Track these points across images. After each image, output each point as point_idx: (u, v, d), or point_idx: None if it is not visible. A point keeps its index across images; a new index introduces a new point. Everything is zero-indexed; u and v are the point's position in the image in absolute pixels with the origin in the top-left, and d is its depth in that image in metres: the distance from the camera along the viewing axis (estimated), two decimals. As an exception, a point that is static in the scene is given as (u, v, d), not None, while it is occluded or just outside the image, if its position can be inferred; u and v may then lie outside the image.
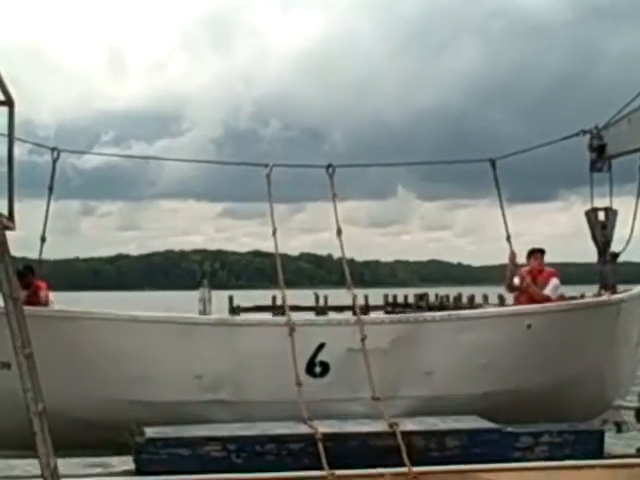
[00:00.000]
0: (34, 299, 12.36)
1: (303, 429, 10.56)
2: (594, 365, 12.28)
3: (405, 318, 12.96)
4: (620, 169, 13.01)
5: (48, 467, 7.11)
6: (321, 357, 11.61)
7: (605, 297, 12.78)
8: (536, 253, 13.66)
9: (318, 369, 11.62)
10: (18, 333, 7.27)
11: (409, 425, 10.77)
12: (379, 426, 10.64)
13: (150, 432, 10.47)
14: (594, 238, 12.93)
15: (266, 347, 11.54)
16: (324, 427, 10.46)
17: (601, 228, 12.85)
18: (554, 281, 13.46)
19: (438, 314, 12.86)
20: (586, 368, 12.16)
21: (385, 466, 9.74)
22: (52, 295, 13.26)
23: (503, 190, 13.61)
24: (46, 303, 12.81)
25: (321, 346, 11.62)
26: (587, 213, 12.96)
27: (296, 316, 12.08)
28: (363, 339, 11.44)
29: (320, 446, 9.92)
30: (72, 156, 13.85)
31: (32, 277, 12.56)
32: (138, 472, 10.18)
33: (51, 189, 12.56)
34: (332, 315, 12.94)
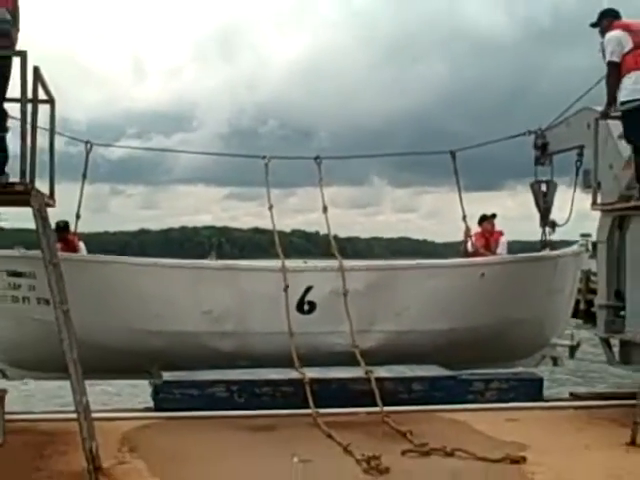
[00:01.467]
0: (69, 249, 12.45)
1: (294, 375, 10.55)
2: (536, 309, 12.36)
3: (379, 266, 13.03)
4: (559, 164, 13.07)
5: (81, 403, 7.13)
6: (309, 297, 11.65)
7: (546, 253, 12.94)
8: (490, 218, 13.99)
9: (306, 307, 11.64)
10: (57, 292, 7.27)
11: (381, 372, 10.75)
12: (357, 372, 10.63)
13: (166, 376, 10.52)
14: (537, 205, 13.07)
15: (264, 288, 11.59)
16: (311, 373, 10.44)
17: (543, 197, 12.98)
18: (503, 240, 13.88)
19: (407, 262, 12.97)
20: (529, 311, 12.24)
21: (361, 406, 9.79)
22: (83, 245, 13.33)
23: (461, 180, 13.68)
24: (78, 251, 12.90)
25: (309, 288, 11.64)
26: (532, 185, 13.11)
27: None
28: (344, 283, 11.54)
29: (307, 389, 9.95)
30: (101, 147, 13.74)
31: (67, 232, 12.66)
32: (156, 409, 10.24)
33: (85, 175, 12.58)
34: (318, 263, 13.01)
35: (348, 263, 12.18)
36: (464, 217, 13.67)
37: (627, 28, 9.87)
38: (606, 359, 11.42)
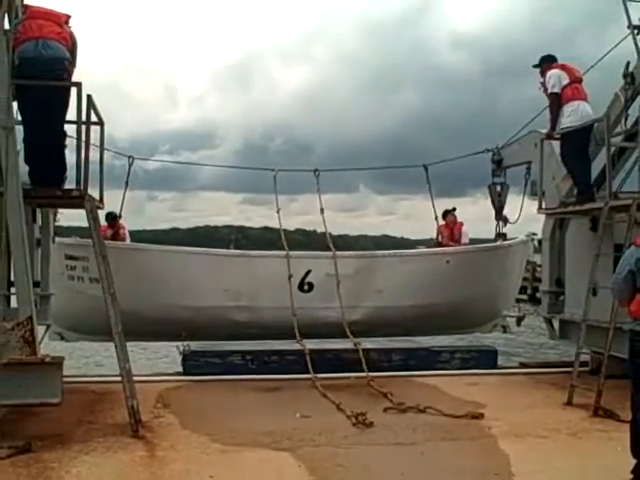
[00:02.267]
0: (117, 236, 12.50)
1: (296, 346, 10.57)
2: (490, 288, 12.42)
3: (364, 254, 13.06)
4: (511, 176, 13.10)
5: (124, 369, 7.14)
6: (308, 279, 11.68)
7: (499, 243, 12.98)
8: (452, 211, 13.92)
9: (306, 287, 11.67)
10: (105, 278, 7.27)
11: (367, 344, 10.77)
12: (347, 344, 10.63)
13: (193, 346, 10.59)
14: (493, 203, 13.11)
15: (272, 271, 11.58)
16: (311, 345, 10.46)
17: (498, 196, 13.03)
18: (464, 229, 13.78)
19: (387, 252, 13.00)
20: (485, 289, 12.29)
21: (351, 372, 9.78)
22: (128, 232, 13.30)
23: (432, 188, 13.78)
24: (124, 238, 12.91)
25: (308, 272, 11.68)
26: (489, 186, 13.17)
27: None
28: (336, 268, 11.56)
29: (307, 358, 9.94)
30: (141, 160, 13.65)
31: (116, 221, 12.66)
32: (185, 373, 10.28)
33: (127, 183, 12.55)
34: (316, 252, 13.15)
35: (340, 252, 12.19)
36: (436, 218, 13.87)
37: (563, 68, 10.06)
38: (548, 335, 11.44)
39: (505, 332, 13.31)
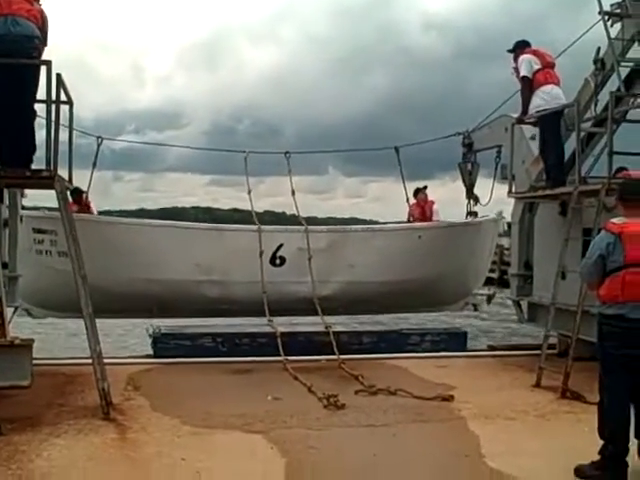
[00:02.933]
0: (84, 211, 12.29)
1: (268, 328, 10.57)
2: (461, 265, 12.49)
3: (336, 229, 13.01)
4: (481, 160, 13.19)
5: (95, 351, 7.11)
6: (280, 253, 11.62)
7: (470, 220, 13.09)
8: (423, 189, 13.89)
9: (278, 261, 11.60)
10: (76, 259, 7.21)
11: (338, 327, 10.84)
12: (319, 327, 10.67)
13: (164, 329, 10.53)
14: (464, 181, 13.21)
15: (243, 245, 11.50)
16: (282, 327, 10.47)
17: (469, 175, 13.13)
18: (435, 207, 13.72)
19: (359, 227, 13.00)
20: (456, 267, 12.35)
21: (322, 354, 9.83)
22: (95, 208, 13.07)
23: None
24: (93, 213, 12.67)
25: (280, 246, 11.60)
26: (459, 165, 13.26)
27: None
28: (308, 242, 11.55)
29: (279, 340, 9.95)
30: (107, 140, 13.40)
31: (80, 196, 12.41)
32: (155, 356, 10.26)
33: (95, 164, 12.34)
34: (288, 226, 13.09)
35: (312, 227, 12.17)
36: (407, 200, 13.88)
37: (535, 53, 10.15)
38: (517, 318, 11.58)
39: (476, 310, 13.46)
